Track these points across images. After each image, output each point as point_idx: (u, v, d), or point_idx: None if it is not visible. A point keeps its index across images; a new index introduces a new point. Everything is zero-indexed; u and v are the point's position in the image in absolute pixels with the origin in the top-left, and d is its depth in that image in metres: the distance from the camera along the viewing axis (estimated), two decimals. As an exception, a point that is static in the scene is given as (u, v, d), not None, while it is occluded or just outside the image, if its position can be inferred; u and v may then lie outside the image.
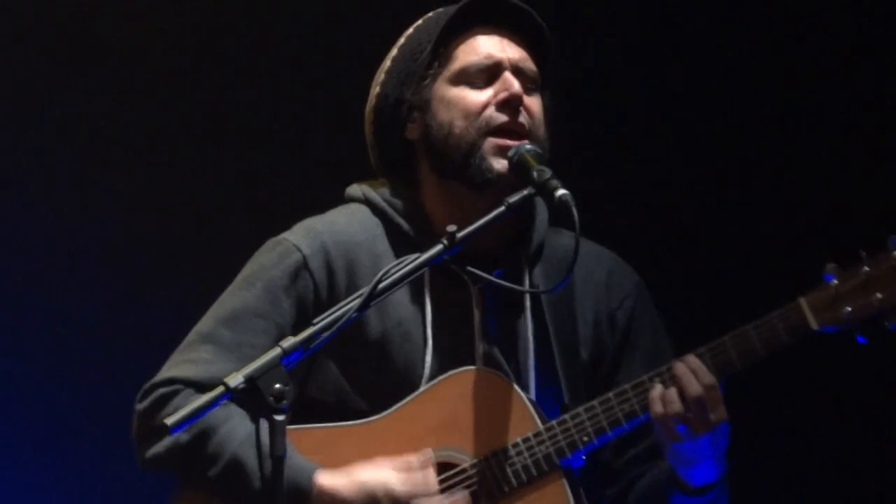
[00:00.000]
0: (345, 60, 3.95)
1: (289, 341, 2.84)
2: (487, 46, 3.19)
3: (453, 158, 3.18)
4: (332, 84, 4.03)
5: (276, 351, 2.80)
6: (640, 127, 5.19)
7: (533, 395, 3.23)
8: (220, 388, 2.78)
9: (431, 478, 3.12)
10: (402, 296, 3.17)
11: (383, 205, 3.28)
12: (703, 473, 3.11)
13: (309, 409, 3.22)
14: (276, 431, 2.77)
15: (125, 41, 5.40)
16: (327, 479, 3.10)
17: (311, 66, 5.05)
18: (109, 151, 5.33)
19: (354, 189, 3.35)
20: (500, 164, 3.12)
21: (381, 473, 3.13)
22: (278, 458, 2.78)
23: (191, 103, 5.31)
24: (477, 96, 3.17)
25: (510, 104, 3.12)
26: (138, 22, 5.40)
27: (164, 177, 5.21)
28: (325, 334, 2.86)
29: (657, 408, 3.04)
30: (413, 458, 3.12)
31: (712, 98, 5.23)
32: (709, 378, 3.02)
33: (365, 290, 2.87)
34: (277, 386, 2.80)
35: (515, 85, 3.15)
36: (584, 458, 3.15)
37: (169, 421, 2.78)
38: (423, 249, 2.99)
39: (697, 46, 5.14)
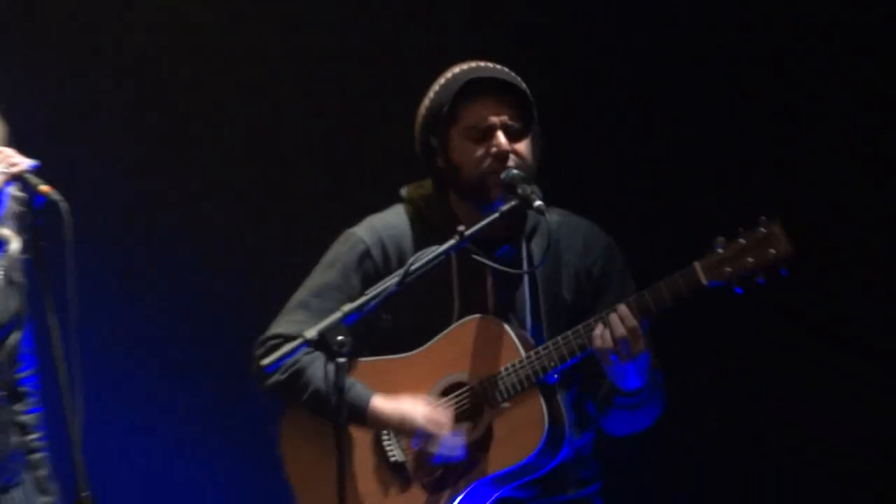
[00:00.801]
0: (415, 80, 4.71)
1: (348, 306, 3.89)
2: (484, 111, 4.22)
3: (464, 188, 4.25)
4: (401, 103, 4.71)
5: (339, 314, 3.85)
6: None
7: (530, 334, 4.24)
8: (300, 340, 3.85)
9: (447, 418, 4.18)
10: (437, 270, 4.10)
11: (423, 207, 4.34)
12: (630, 382, 4.10)
13: (373, 348, 4.32)
14: (339, 369, 3.80)
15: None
16: (379, 404, 4.22)
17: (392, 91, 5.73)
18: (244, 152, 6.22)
19: (404, 192, 4.39)
20: (496, 192, 4.19)
21: (416, 408, 4.22)
22: (340, 388, 3.81)
23: (301, 122, 6.14)
24: (477, 150, 4.20)
25: (500, 157, 4.18)
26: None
27: (280, 185, 6.09)
28: (373, 303, 3.91)
29: (597, 343, 4.05)
30: (440, 403, 4.20)
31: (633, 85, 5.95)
32: (631, 322, 4.01)
33: (400, 272, 3.94)
34: (339, 338, 3.84)
35: (503, 143, 4.18)
36: (555, 377, 4.14)
37: (264, 362, 3.93)
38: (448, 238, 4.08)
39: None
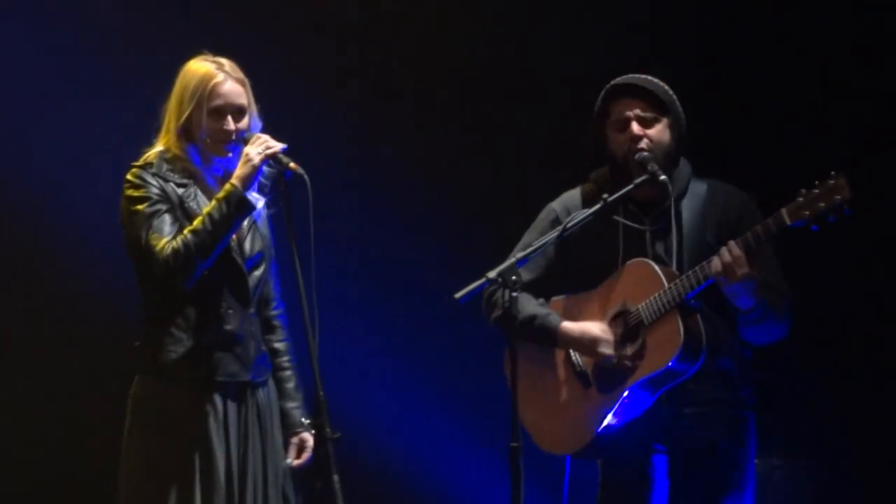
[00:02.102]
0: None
1: (520, 253, 4.90)
2: (621, 108, 5.13)
3: (618, 168, 5.14)
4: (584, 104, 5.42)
5: (512, 259, 4.78)
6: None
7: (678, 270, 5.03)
8: (483, 279, 4.67)
9: (610, 336, 5.06)
10: (608, 227, 5.11)
11: (600, 184, 5.22)
12: (742, 302, 4.97)
13: (557, 288, 5.25)
14: (513, 301, 4.65)
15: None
16: (566, 325, 5.14)
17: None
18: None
19: (592, 174, 5.29)
20: (637, 170, 5.07)
21: (592, 325, 5.11)
22: (513, 315, 4.67)
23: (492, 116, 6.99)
24: (621, 137, 5.11)
25: (634, 139, 5.07)
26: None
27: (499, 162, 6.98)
28: (538, 251, 4.91)
29: (713, 269, 4.90)
30: (608, 327, 5.09)
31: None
32: (736, 251, 4.86)
33: (559, 228, 4.92)
34: (514, 277, 4.67)
35: (635, 129, 5.08)
36: (693, 300, 4.97)
37: (458, 295, 4.69)
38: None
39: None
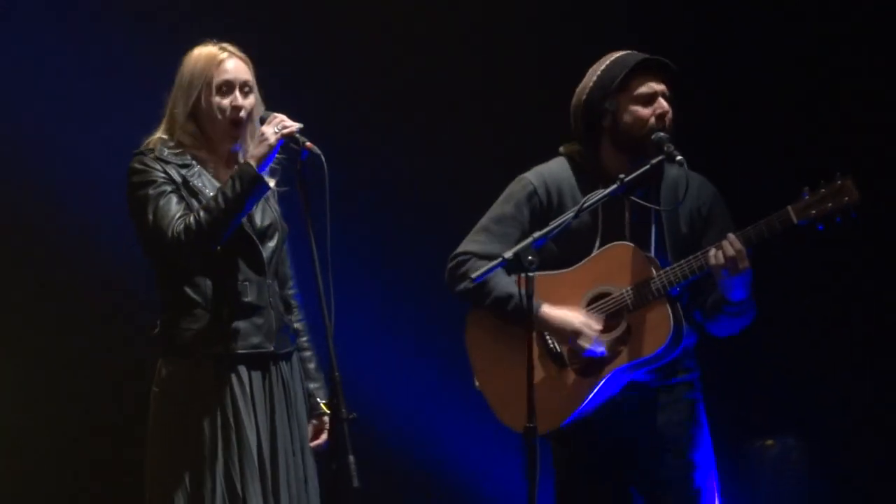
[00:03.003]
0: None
1: (538, 234, 4.77)
2: (650, 84, 5.08)
3: (630, 142, 5.08)
4: (556, 87, 5.52)
5: (530, 239, 4.72)
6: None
7: (656, 256, 5.04)
8: (500, 259, 4.70)
9: (596, 324, 5.00)
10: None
11: (578, 159, 5.16)
12: (736, 294, 4.97)
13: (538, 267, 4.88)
14: (530, 282, 4.63)
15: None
16: (546, 310, 5.03)
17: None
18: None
19: (562, 149, 5.20)
20: (651, 148, 5.02)
21: (573, 315, 5.03)
22: (530, 296, 4.62)
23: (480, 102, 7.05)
24: (645, 111, 5.07)
25: (663, 118, 5.07)
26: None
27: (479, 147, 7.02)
28: (555, 231, 4.81)
29: (711, 261, 4.92)
30: (589, 309, 5.04)
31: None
32: (738, 246, 4.88)
33: (575, 209, 4.85)
34: (530, 258, 4.65)
35: (666, 106, 5.06)
36: (678, 290, 4.99)
37: (474, 275, 4.81)
38: (600, 185, 4.97)
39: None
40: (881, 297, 6.77)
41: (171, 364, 4.98)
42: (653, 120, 5.10)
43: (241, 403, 4.93)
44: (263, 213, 5.06)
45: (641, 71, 5.13)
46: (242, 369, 4.96)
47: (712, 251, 4.97)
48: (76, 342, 6.85)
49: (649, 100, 5.13)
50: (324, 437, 5.17)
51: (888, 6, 6.71)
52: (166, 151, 4.99)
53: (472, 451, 6.98)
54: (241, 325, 4.95)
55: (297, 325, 5.21)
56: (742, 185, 5.58)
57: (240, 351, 4.96)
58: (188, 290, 4.95)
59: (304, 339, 5.23)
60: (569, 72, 5.35)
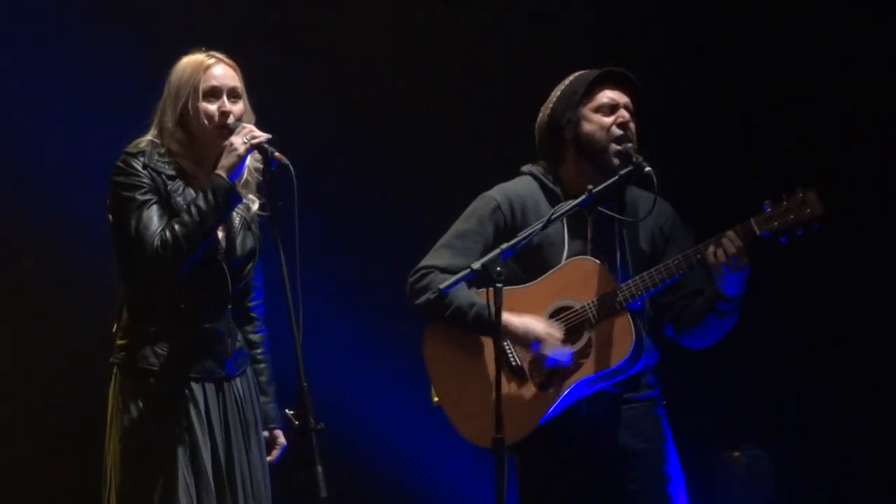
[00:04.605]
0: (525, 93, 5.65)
1: (506, 245, 4.77)
2: (612, 95, 5.13)
3: (593, 151, 5.11)
4: (518, 106, 5.66)
5: (498, 251, 4.74)
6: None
7: (618, 272, 5.08)
8: (468, 270, 4.73)
9: (559, 332, 5.01)
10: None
11: (540, 176, 5.20)
12: (732, 290, 4.99)
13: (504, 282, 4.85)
14: (497, 293, 4.64)
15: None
16: (508, 317, 4.89)
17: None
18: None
19: (525, 168, 5.25)
20: (617, 157, 5.08)
21: (535, 323, 5.03)
22: (498, 308, 4.61)
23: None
24: (606, 119, 5.11)
25: (624, 126, 5.12)
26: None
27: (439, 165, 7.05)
28: (523, 242, 4.82)
29: (712, 259, 4.95)
30: (552, 321, 5.03)
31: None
32: (739, 243, 4.91)
33: (544, 220, 4.86)
34: (498, 269, 4.68)
35: (626, 115, 5.10)
36: (640, 303, 5.02)
37: (442, 286, 4.80)
38: (563, 199, 5.02)
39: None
40: (846, 308, 6.89)
41: (126, 377, 4.97)
42: (615, 128, 5.13)
43: (195, 422, 4.93)
44: (244, 239, 5.05)
45: (604, 83, 5.19)
46: (197, 389, 4.95)
47: (711, 249, 4.98)
48: (59, 335, 6.86)
49: (611, 109, 5.16)
50: (276, 452, 5.18)
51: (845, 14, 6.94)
52: (155, 157, 4.96)
53: (439, 462, 7.00)
54: (196, 351, 4.95)
55: (252, 337, 5.20)
56: (704, 198, 5.59)
57: (194, 374, 4.95)
58: (151, 305, 4.94)
59: (259, 350, 5.20)
60: (541, 85, 5.41)
